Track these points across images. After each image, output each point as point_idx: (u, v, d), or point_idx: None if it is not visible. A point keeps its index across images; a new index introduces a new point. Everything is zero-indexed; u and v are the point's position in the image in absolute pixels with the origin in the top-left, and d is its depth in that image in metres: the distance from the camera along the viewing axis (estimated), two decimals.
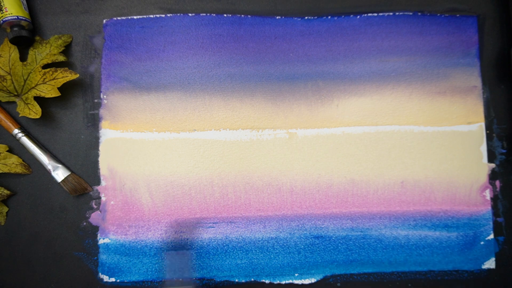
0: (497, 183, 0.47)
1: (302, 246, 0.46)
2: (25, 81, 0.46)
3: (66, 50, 0.48)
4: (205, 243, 0.46)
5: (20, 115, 0.45)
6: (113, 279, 0.46)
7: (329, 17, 0.48)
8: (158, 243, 0.46)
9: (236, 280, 0.46)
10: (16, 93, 0.46)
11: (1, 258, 0.47)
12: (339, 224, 0.46)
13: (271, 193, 0.47)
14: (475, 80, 0.48)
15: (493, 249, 0.46)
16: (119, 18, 0.48)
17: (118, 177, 0.47)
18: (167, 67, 0.48)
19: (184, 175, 0.47)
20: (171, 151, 0.47)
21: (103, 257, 0.46)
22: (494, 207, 0.47)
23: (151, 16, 0.48)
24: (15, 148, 0.47)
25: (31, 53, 0.46)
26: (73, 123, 0.48)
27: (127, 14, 0.48)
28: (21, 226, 0.47)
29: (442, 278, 0.46)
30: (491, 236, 0.46)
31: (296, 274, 0.46)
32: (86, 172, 0.47)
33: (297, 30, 0.48)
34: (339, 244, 0.46)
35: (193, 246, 0.45)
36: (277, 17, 0.48)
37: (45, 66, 0.46)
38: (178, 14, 0.48)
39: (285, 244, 0.46)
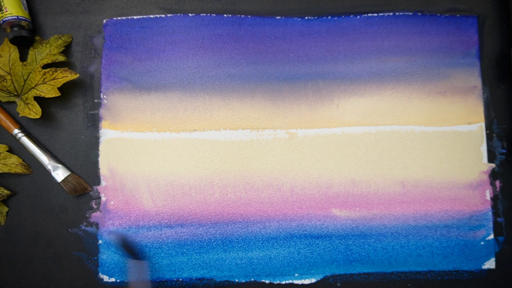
0: (497, 183, 0.47)
1: (302, 246, 0.46)
2: (25, 81, 0.46)
3: (66, 50, 0.48)
4: (205, 243, 0.46)
5: (20, 115, 0.45)
6: (113, 279, 0.46)
7: (329, 17, 0.48)
8: (158, 243, 0.46)
9: (236, 280, 0.46)
10: (16, 93, 0.46)
11: (1, 258, 0.47)
12: (339, 224, 0.46)
13: (271, 193, 0.47)
14: (475, 80, 0.48)
15: (493, 249, 0.46)
16: (119, 18, 0.48)
17: (118, 177, 0.47)
18: (167, 67, 0.48)
19: (184, 175, 0.47)
20: (171, 151, 0.47)
21: (103, 257, 0.46)
22: (494, 207, 0.47)
23: (151, 16, 0.48)
24: (15, 148, 0.47)
25: (31, 53, 0.46)
26: (73, 123, 0.48)
27: (127, 14, 0.48)
28: (21, 226, 0.47)
29: (442, 278, 0.46)
30: (491, 236, 0.46)
31: (296, 274, 0.46)
32: (86, 172, 0.47)
33: (297, 30, 0.48)
34: (339, 244, 0.46)
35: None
36: (277, 17, 0.48)
37: (45, 66, 0.46)
38: (178, 14, 0.48)
39: (285, 244, 0.46)
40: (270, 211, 0.46)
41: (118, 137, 0.47)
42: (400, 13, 0.48)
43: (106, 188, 0.47)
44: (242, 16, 0.48)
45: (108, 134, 0.47)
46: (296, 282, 0.46)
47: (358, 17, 0.48)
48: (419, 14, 0.48)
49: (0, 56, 0.46)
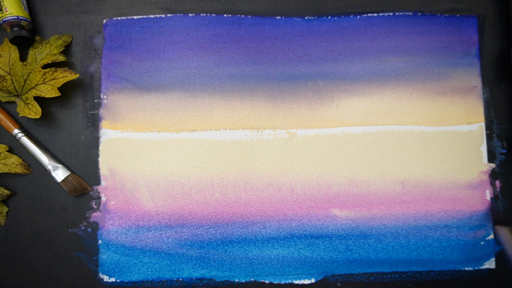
0: (497, 183, 0.47)
1: (302, 246, 0.46)
2: (25, 81, 0.46)
3: (66, 50, 0.48)
4: (205, 243, 0.46)
5: (20, 115, 0.45)
6: (113, 279, 0.46)
7: (329, 17, 0.48)
8: (158, 243, 0.46)
9: (236, 280, 0.46)
10: (16, 93, 0.46)
11: (1, 258, 0.47)
12: (339, 224, 0.46)
13: (271, 193, 0.47)
14: (475, 80, 0.48)
15: (493, 249, 0.46)
16: (119, 18, 0.48)
17: (118, 177, 0.47)
18: (167, 67, 0.48)
19: (184, 175, 0.47)
20: (171, 151, 0.47)
21: (103, 257, 0.46)
22: (494, 207, 0.47)
23: (151, 16, 0.48)
24: (15, 148, 0.47)
25: (31, 53, 0.46)
26: (73, 123, 0.48)
27: (127, 14, 0.49)
28: (21, 226, 0.47)
29: (442, 278, 0.46)
30: (491, 236, 0.46)
31: (296, 274, 0.46)
32: (86, 172, 0.47)
33: (297, 30, 0.48)
34: (339, 244, 0.46)
35: None
36: (277, 17, 0.48)
37: (45, 66, 0.46)
38: (178, 14, 0.48)
39: (285, 244, 0.46)
40: (270, 211, 0.46)
41: (118, 137, 0.47)
42: (400, 13, 0.48)
43: (106, 188, 0.47)
44: (242, 16, 0.48)
45: (108, 134, 0.47)
46: (296, 282, 0.46)
47: (358, 17, 0.48)
48: (419, 14, 0.48)
49: (0, 56, 0.46)
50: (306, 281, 0.46)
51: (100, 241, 0.46)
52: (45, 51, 0.46)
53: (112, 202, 0.47)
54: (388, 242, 0.46)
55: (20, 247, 0.47)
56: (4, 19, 0.45)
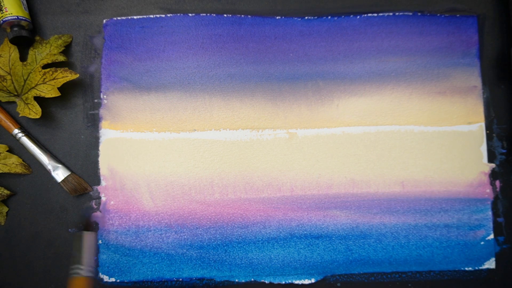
0: (497, 183, 0.47)
1: (302, 246, 0.46)
2: (25, 81, 0.46)
3: (66, 50, 0.48)
4: (205, 243, 0.46)
5: (20, 115, 0.45)
6: (113, 279, 0.46)
7: (329, 17, 0.48)
8: (158, 243, 0.46)
9: (236, 280, 0.46)
10: (16, 93, 0.46)
11: (1, 258, 0.47)
12: (339, 224, 0.46)
13: (271, 193, 0.47)
14: (475, 80, 0.48)
15: (493, 249, 0.46)
16: (119, 18, 0.48)
17: (118, 177, 0.47)
18: (167, 67, 0.48)
19: (184, 175, 0.47)
20: (171, 151, 0.47)
21: (103, 257, 0.46)
22: (494, 207, 0.47)
23: (151, 16, 0.48)
24: (15, 148, 0.47)
25: (31, 53, 0.46)
26: (73, 123, 0.48)
27: (127, 14, 0.49)
28: (21, 226, 0.47)
29: (442, 278, 0.46)
30: (491, 236, 0.46)
31: (296, 274, 0.46)
32: (86, 172, 0.47)
33: (297, 30, 0.48)
34: (339, 244, 0.46)
35: None
36: (277, 17, 0.48)
37: (45, 66, 0.46)
38: (178, 14, 0.48)
39: (285, 244, 0.46)
40: (270, 211, 0.46)
41: (118, 137, 0.47)
42: (400, 13, 0.48)
43: (106, 188, 0.47)
44: (242, 16, 0.48)
45: (108, 134, 0.47)
46: (296, 282, 0.46)
47: (358, 17, 0.48)
48: (419, 14, 0.48)
49: (0, 56, 0.46)
50: (306, 281, 0.46)
51: (100, 241, 0.46)
52: (45, 51, 0.46)
53: (112, 202, 0.47)
54: (388, 242, 0.46)
55: (20, 247, 0.47)
56: (4, 19, 0.45)
